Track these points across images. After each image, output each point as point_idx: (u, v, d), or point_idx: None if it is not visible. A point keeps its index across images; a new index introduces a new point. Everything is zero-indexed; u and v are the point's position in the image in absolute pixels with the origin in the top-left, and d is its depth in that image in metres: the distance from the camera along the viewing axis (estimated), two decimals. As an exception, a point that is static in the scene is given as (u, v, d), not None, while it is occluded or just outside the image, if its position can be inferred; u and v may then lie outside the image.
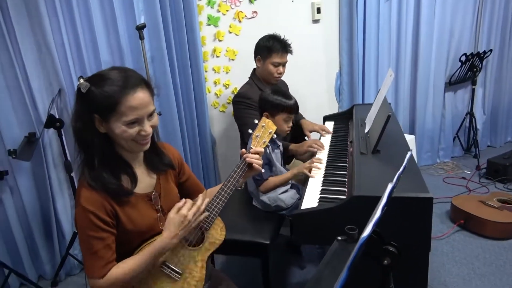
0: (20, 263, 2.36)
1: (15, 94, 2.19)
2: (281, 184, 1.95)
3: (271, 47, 2.31)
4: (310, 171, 1.87)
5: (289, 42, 2.36)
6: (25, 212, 2.33)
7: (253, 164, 1.33)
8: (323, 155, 2.09)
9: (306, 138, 2.55)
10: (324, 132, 2.44)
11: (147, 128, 1.14)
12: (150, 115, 1.15)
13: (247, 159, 1.32)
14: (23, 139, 2.17)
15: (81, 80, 1.11)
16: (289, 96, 2.01)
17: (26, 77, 2.18)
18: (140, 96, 1.11)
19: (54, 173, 2.35)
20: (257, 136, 1.37)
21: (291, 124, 2.02)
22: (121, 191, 1.16)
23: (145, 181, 1.25)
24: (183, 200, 1.24)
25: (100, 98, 1.09)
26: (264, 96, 2.00)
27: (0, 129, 2.18)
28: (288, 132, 2.04)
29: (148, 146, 1.20)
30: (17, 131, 2.22)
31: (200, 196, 1.27)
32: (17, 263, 2.35)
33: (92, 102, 1.10)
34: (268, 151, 1.94)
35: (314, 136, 2.55)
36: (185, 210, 1.20)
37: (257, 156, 1.33)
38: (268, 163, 1.95)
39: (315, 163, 1.90)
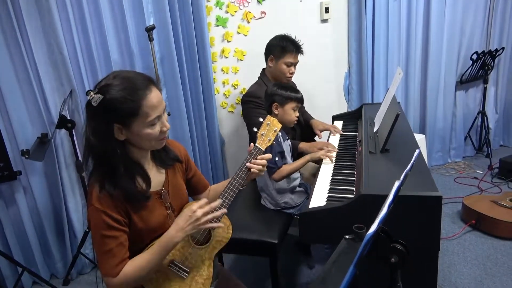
0: (33, 261, 2.40)
1: (28, 95, 2.23)
2: (294, 171, 1.99)
3: (285, 47, 2.32)
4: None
5: (300, 43, 2.37)
6: (37, 212, 2.37)
7: (253, 170, 1.32)
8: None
9: (316, 137, 2.55)
10: (335, 131, 2.45)
11: (167, 123, 1.18)
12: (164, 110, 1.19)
13: (247, 164, 1.31)
14: (36, 140, 2.21)
15: (92, 94, 1.08)
16: (295, 89, 2.08)
17: (38, 78, 2.22)
18: (156, 93, 1.13)
19: (65, 173, 2.38)
20: (262, 134, 1.38)
21: (297, 114, 2.05)
22: (139, 196, 1.17)
23: (155, 178, 1.26)
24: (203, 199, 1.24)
25: (119, 106, 1.08)
26: (271, 90, 2.03)
27: (14, 129, 2.22)
28: (295, 121, 2.06)
29: (166, 140, 1.24)
30: (29, 132, 2.26)
31: (219, 199, 1.27)
32: (30, 262, 2.39)
33: (111, 112, 1.09)
34: (279, 140, 1.97)
35: (324, 134, 2.55)
36: (196, 206, 1.19)
37: (259, 161, 1.33)
38: (281, 151, 1.97)
39: (330, 152, 2.02)
